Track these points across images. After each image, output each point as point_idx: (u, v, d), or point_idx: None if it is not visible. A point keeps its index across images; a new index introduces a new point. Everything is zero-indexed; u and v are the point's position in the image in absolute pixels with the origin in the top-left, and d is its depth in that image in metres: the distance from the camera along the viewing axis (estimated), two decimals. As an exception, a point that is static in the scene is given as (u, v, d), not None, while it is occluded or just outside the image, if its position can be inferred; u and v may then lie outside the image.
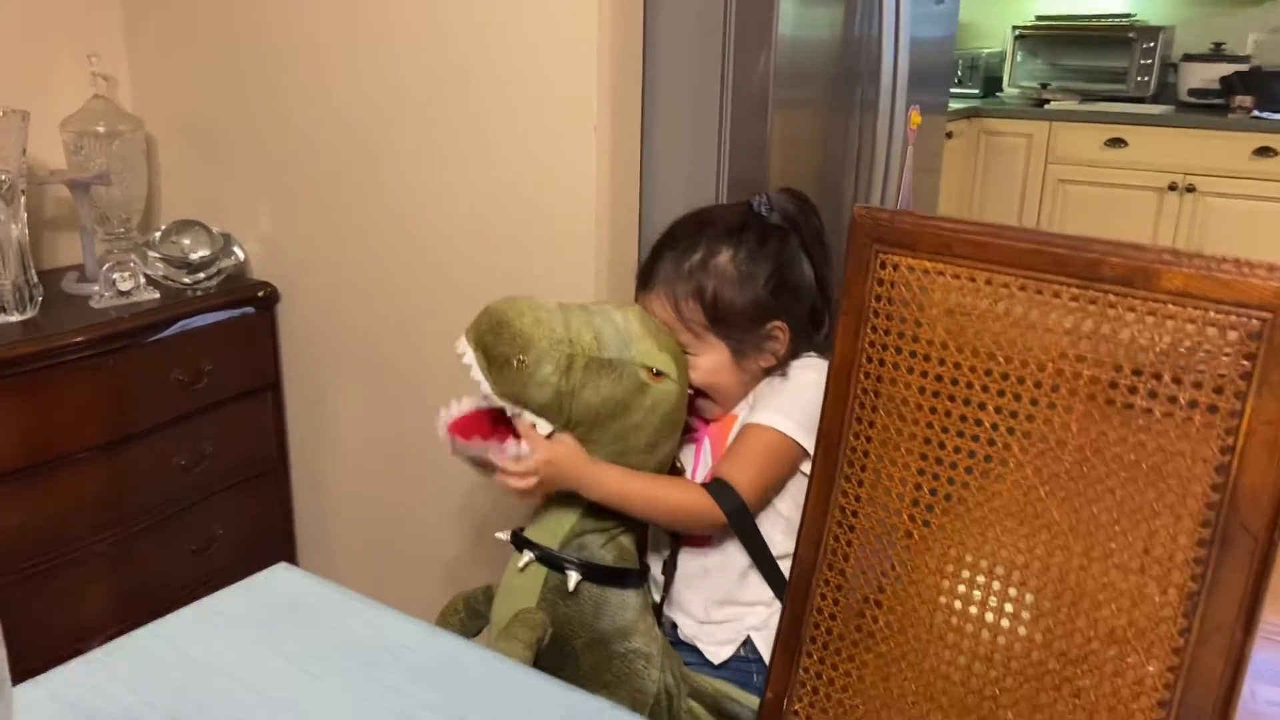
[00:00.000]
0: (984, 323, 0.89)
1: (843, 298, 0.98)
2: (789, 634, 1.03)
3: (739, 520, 1.22)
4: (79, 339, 1.63)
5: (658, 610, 1.33)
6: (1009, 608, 0.90)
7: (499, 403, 1.17)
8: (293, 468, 2.10)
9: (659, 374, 1.20)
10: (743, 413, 1.30)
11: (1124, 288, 0.82)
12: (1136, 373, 0.82)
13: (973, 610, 0.92)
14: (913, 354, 0.94)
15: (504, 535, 1.28)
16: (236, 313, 1.90)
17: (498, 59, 1.60)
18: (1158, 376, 0.81)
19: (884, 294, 0.95)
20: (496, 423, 1.22)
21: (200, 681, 0.86)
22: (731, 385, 1.30)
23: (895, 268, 0.94)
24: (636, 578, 1.26)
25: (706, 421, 1.34)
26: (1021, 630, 0.89)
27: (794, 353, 1.30)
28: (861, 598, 0.99)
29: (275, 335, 2.00)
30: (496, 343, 1.14)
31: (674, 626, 1.33)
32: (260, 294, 1.94)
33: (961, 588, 0.92)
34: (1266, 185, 3.68)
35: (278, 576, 1.03)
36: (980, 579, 0.91)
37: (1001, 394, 0.89)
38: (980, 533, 0.91)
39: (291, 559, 2.14)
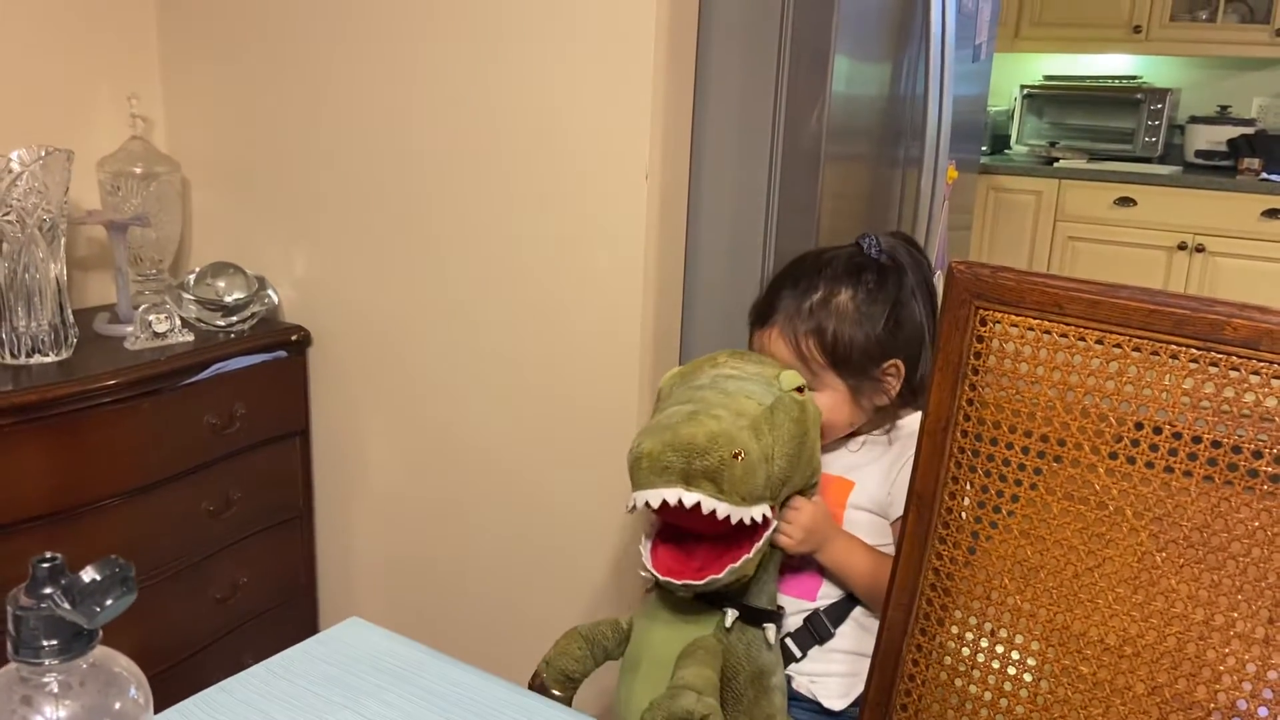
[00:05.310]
0: (1095, 383, 0.87)
1: (937, 353, 0.97)
2: (876, 703, 1.00)
3: None
4: (114, 381, 1.60)
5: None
6: (1120, 680, 0.87)
7: (738, 518, 1.11)
8: (318, 516, 2.06)
9: (801, 389, 1.21)
10: (862, 482, 1.28)
11: (1249, 350, 0.80)
12: (1261, 437, 0.80)
13: (1081, 683, 0.89)
14: (1015, 413, 0.92)
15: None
16: (269, 356, 1.87)
17: (546, 105, 1.59)
18: (1285, 442, 0.79)
19: (984, 350, 0.93)
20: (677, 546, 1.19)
21: (283, 745, 0.83)
22: (844, 422, 1.29)
23: (996, 324, 0.93)
24: (778, 619, 1.24)
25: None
26: (1134, 705, 0.86)
27: (902, 393, 1.29)
28: (955, 666, 0.96)
29: (306, 380, 1.97)
30: (707, 459, 1.09)
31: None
32: (294, 337, 1.91)
33: (1067, 659, 0.90)
34: (1275, 246, 3.71)
35: (350, 632, 0.99)
36: (1088, 650, 0.89)
37: (1114, 456, 0.87)
38: (1089, 600, 0.88)
39: (313, 610, 2.09)
